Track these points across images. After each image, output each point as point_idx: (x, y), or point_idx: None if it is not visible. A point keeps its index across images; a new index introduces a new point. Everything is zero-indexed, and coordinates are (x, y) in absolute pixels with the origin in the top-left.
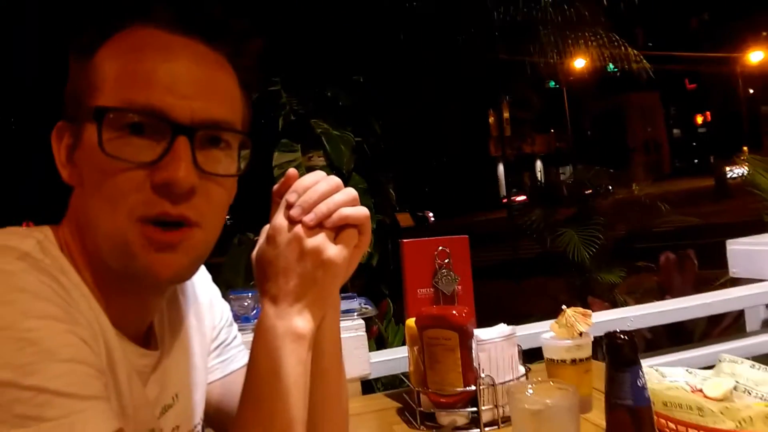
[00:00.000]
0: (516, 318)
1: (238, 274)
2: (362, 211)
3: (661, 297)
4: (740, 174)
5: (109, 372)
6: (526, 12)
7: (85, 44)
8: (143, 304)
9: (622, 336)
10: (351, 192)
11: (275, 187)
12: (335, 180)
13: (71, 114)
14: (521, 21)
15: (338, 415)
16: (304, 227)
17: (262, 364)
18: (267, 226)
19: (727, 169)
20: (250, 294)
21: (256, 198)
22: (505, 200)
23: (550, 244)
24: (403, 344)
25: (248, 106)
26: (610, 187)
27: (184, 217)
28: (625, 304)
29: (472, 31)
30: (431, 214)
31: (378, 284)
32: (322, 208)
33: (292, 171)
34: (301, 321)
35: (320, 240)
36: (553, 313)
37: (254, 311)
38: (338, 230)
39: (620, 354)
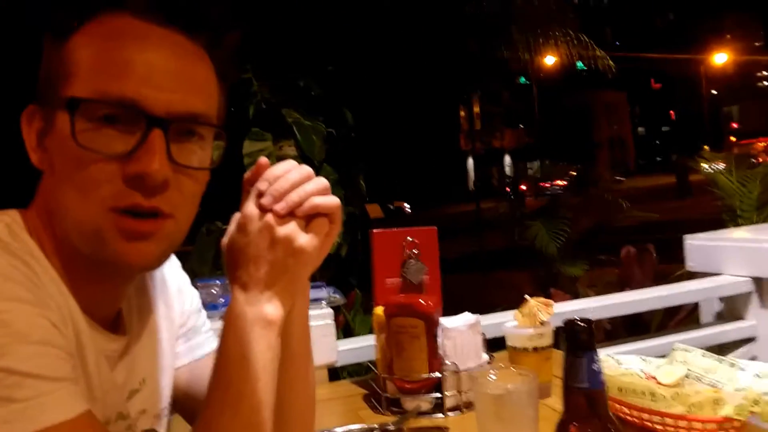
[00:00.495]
0: (481, 309)
1: (205, 264)
2: (333, 200)
3: (621, 290)
4: (714, 169)
5: (78, 356)
6: (497, 7)
7: (59, 28)
8: (112, 290)
9: (580, 323)
10: (322, 181)
11: (246, 175)
12: (306, 169)
13: (43, 99)
14: (492, 15)
15: (305, 399)
16: (275, 216)
17: (231, 350)
18: (237, 214)
19: (703, 165)
20: (218, 282)
21: (224, 187)
22: (507, 190)
23: (518, 236)
24: (370, 334)
25: (224, 97)
26: (621, 178)
27: (156, 209)
28: (586, 296)
29: (444, 24)
30: (407, 206)
31: (347, 275)
32: (294, 197)
33: (263, 160)
34: (270, 308)
35: (291, 228)
36: (517, 304)
37: (222, 299)
38: (309, 219)
39: (578, 339)
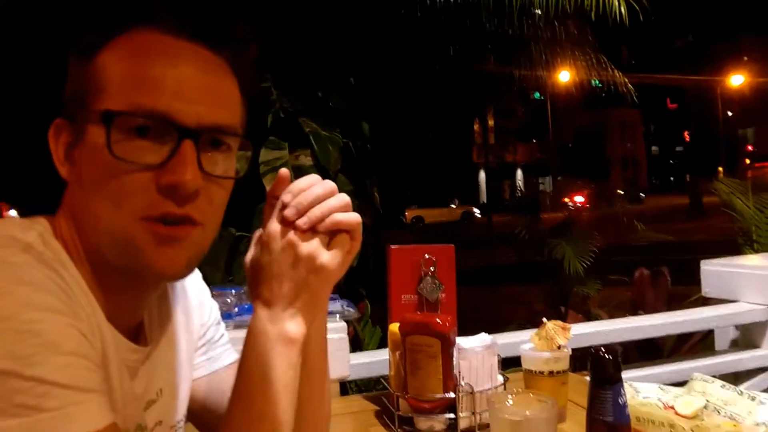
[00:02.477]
0: (491, 324)
1: (217, 269)
2: (354, 217)
3: (633, 311)
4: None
5: (103, 366)
6: (519, 26)
7: (87, 45)
8: (136, 300)
9: (606, 354)
10: (344, 198)
11: (270, 187)
12: (330, 184)
13: (71, 113)
14: (514, 35)
15: (321, 415)
16: (297, 232)
17: (253, 367)
18: (259, 231)
19: (721, 187)
20: (232, 291)
21: (239, 194)
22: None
23: (545, 254)
24: (380, 346)
25: (246, 109)
26: (642, 195)
27: (188, 217)
28: (597, 316)
29: (462, 40)
30: (477, 211)
31: (356, 285)
32: (316, 212)
33: (283, 171)
34: (293, 325)
35: (314, 246)
36: (528, 321)
37: (236, 308)
38: (331, 235)
39: (604, 372)
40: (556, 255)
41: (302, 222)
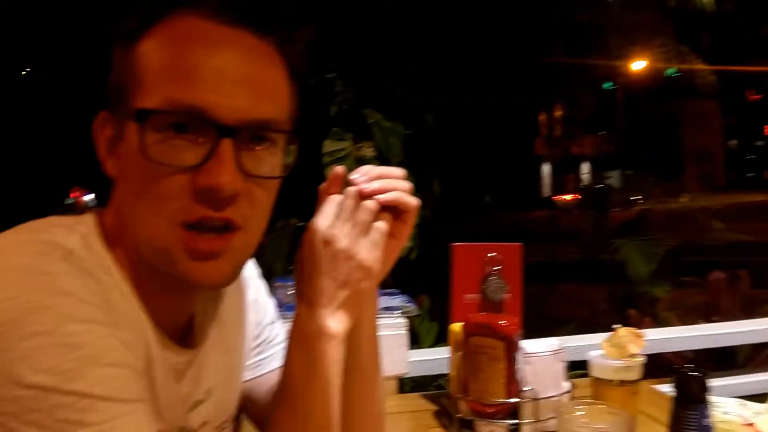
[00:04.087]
0: (550, 323)
1: (279, 258)
2: (413, 200)
3: (705, 316)
4: None
5: (147, 372)
6: (593, 14)
7: (127, 32)
8: (183, 303)
9: (692, 373)
10: (408, 183)
11: (322, 186)
12: (399, 170)
13: (114, 106)
14: (587, 22)
15: (374, 412)
16: (359, 196)
17: (296, 365)
18: None
19: None
20: (289, 283)
21: (302, 183)
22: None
23: (607, 253)
24: (436, 342)
25: (296, 97)
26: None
27: (228, 221)
28: (667, 319)
29: (532, 28)
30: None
31: (415, 279)
32: (381, 183)
33: (338, 168)
34: (334, 322)
35: (353, 243)
36: (589, 321)
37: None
38: (374, 224)
39: (689, 391)
40: (620, 256)
41: (367, 186)
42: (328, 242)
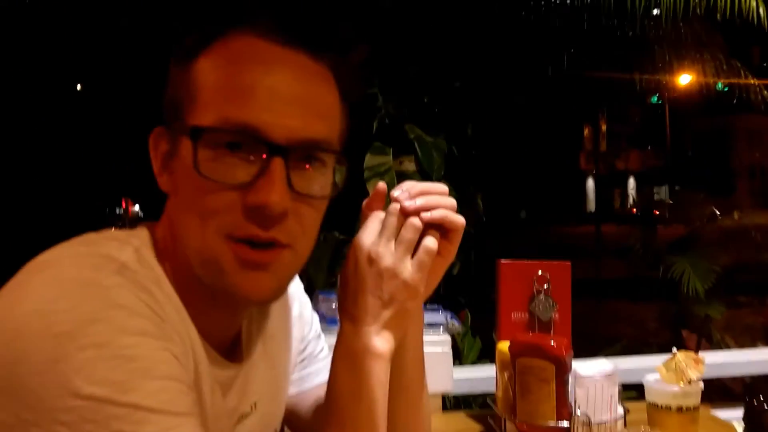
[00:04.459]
0: (598, 342)
1: (321, 270)
2: (460, 218)
3: (763, 337)
4: None
5: (195, 385)
6: (641, 27)
7: (186, 49)
8: (231, 318)
9: (765, 404)
10: (452, 200)
11: (365, 202)
12: (443, 186)
13: (169, 122)
14: (634, 36)
15: (420, 429)
16: (401, 213)
17: (342, 383)
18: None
19: None
20: (333, 296)
21: (343, 198)
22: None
23: (662, 271)
24: (479, 358)
25: (346, 118)
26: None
27: (274, 240)
28: (722, 340)
29: (580, 44)
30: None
31: (457, 294)
32: (425, 200)
33: (381, 185)
34: (379, 341)
35: (399, 261)
36: (639, 340)
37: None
38: (423, 243)
39: (761, 423)
40: (674, 274)
41: (410, 204)
42: (372, 260)
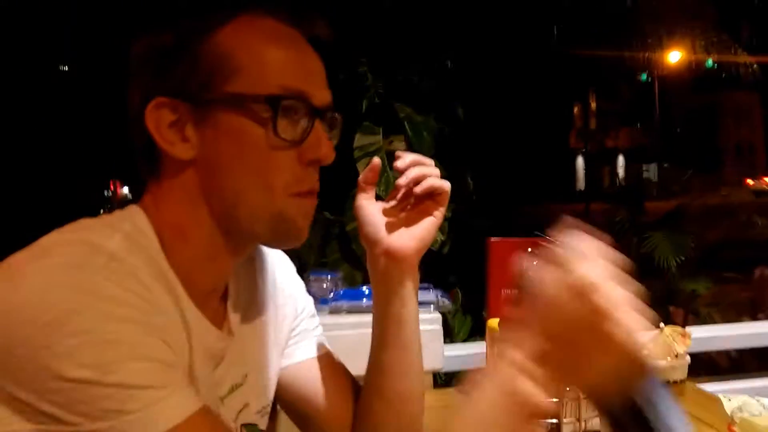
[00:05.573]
0: None
1: (312, 251)
2: (446, 183)
3: (749, 312)
4: None
5: (188, 360)
6: (630, 2)
7: (200, 27)
8: (223, 281)
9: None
10: (436, 169)
11: (361, 177)
12: (428, 159)
13: (185, 92)
14: (626, 12)
15: (419, 386)
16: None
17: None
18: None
19: None
20: (328, 276)
21: (334, 177)
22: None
23: (636, 246)
24: (469, 336)
25: None
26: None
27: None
28: (708, 316)
29: (570, 20)
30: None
31: (447, 273)
32: (416, 171)
33: (376, 160)
34: None
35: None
36: None
37: (331, 293)
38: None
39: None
40: (648, 247)
41: (402, 181)
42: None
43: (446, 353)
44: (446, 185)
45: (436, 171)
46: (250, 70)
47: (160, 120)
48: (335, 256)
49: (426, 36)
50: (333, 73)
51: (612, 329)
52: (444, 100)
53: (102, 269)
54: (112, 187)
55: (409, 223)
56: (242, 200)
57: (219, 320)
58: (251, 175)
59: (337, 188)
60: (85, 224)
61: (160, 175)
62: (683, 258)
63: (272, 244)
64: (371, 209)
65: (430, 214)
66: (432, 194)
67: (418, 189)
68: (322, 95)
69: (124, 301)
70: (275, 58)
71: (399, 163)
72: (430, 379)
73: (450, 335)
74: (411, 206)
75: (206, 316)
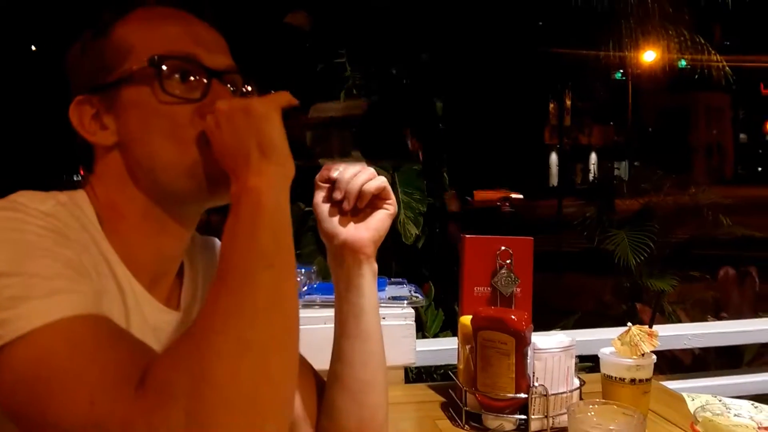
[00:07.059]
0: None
1: None
2: (380, 180)
3: (713, 311)
4: None
5: (124, 321)
6: (609, 2)
7: (102, 25)
8: (172, 254)
9: None
10: (372, 169)
11: (317, 176)
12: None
13: (96, 86)
14: (603, 12)
15: (381, 375)
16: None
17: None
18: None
19: None
20: (302, 270)
21: (308, 170)
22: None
23: (597, 244)
24: (442, 330)
25: None
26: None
27: None
28: (674, 314)
29: (547, 18)
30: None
31: (420, 267)
32: (352, 189)
33: (328, 164)
34: None
35: None
36: (595, 313)
37: (305, 287)
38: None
39: None
40: (609, 245)
41: (337, 195)
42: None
43: (418, 348)
44: (383, 181)
45: (370, 171)
46: (139, 47)
47: (82, 116)
48: (310, 248)
49: (405, 29)
50: (311, 64)
51: None
52: (421, 93)
53: (35, 219)
54: (82, 172)
55: (364, 217)
56: (157, 163)
57: (172, 301)
58: (158, 136)
59: (311, 180)
60: (19, 192)
61: (94, 166)
62: (642, 257)
63: (208, 201)
64: (328, 206)
65: (381, 207)
66: (380, 195)
67: (361, 204)
68: (215, 58)
69: (50, 236)
70: (161, 32)
71: (335, 175)
72: (401, 374)
73: (422, 328)
74: (361, 206)
75: (155, 297)
